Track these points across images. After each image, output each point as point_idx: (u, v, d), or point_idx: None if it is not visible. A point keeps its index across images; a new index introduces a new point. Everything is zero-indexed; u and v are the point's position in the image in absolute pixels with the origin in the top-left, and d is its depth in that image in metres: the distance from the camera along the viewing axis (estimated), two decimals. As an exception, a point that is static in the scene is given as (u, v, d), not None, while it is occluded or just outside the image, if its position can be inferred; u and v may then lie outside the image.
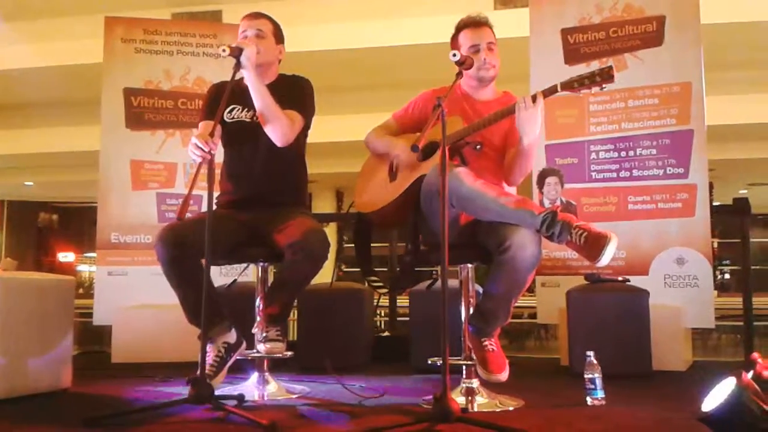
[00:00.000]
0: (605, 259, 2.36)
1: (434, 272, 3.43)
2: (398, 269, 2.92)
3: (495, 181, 2.74)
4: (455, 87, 2.80)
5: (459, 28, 2.90)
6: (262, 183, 2.97)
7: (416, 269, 3.05)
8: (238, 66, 2.72)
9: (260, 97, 2.81)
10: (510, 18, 5.58)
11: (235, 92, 2.79)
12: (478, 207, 2.54)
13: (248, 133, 2.94)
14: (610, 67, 2.56)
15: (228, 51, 2.67)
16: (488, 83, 2.91)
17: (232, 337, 2.84)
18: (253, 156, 2.97)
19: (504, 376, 2.57)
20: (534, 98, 2.60)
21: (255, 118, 2.90)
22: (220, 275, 3.91)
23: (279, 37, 3.07)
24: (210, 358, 2.73)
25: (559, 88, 2.62)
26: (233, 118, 3.00)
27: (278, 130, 2.85)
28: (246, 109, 2.97)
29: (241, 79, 2.84)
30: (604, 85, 2.59)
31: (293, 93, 2.99)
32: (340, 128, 8.39)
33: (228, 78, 2.74)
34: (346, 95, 8.35)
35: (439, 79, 2.92)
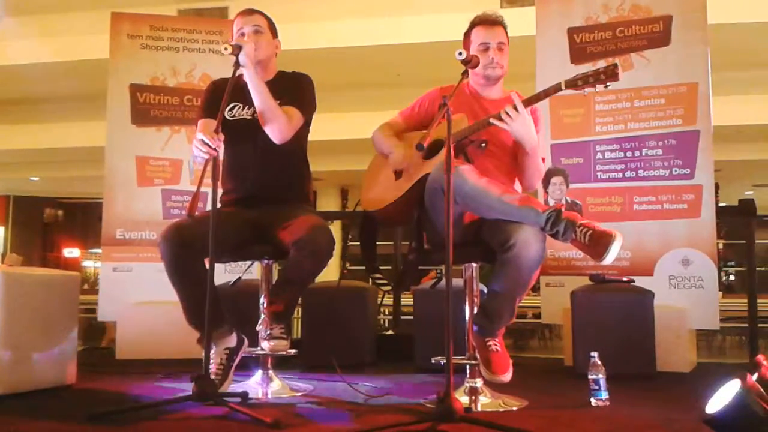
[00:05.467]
0: (610, 258, 2.36)
1: (438, 271, 3.43)
2: (402, 267, 2.91)
3: (502, 180, 2.72)
4: (464, 85, 2.81)
5: (473, 24, 2.90)
6: (265, 180, 2.97)
7: (420, 268, 3.04)
8: (237, 64, 2.73)
9: (259, 95, 2.82)
10: (516, 17, 5.55)
11: (235, 90, 2.78)
12: (481, 205, 2.53)
13: (249, 131, 2.93)
14: (615, 65, 2.56)
15: (230, 49, 2.69)
16: (495, 82, 2.91)
17: (232, 341, 2.84)
18: (255, 153, 2.96)
19: (507, 377, 2.56)
20: (514, 109, 2.62)
21: (256, 115, 2.90)
22: (225, 272, 3.92)
23: (274, 31, 3.07)
24: (214, 366, 2.72)
25: (563, 86, 2.62)
26: (234, 116, 2.99)
27: (276, 127, 2.85)
28: (247, 107, 2.97)
29: (241, 76, 2.84)
30: (608, 83, 2.58)
31: (293, 89, 2.99)
32: (345, 126, 8.41)
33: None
34: (351, 93, 8.36)
35: (445, 78, 2.91)
